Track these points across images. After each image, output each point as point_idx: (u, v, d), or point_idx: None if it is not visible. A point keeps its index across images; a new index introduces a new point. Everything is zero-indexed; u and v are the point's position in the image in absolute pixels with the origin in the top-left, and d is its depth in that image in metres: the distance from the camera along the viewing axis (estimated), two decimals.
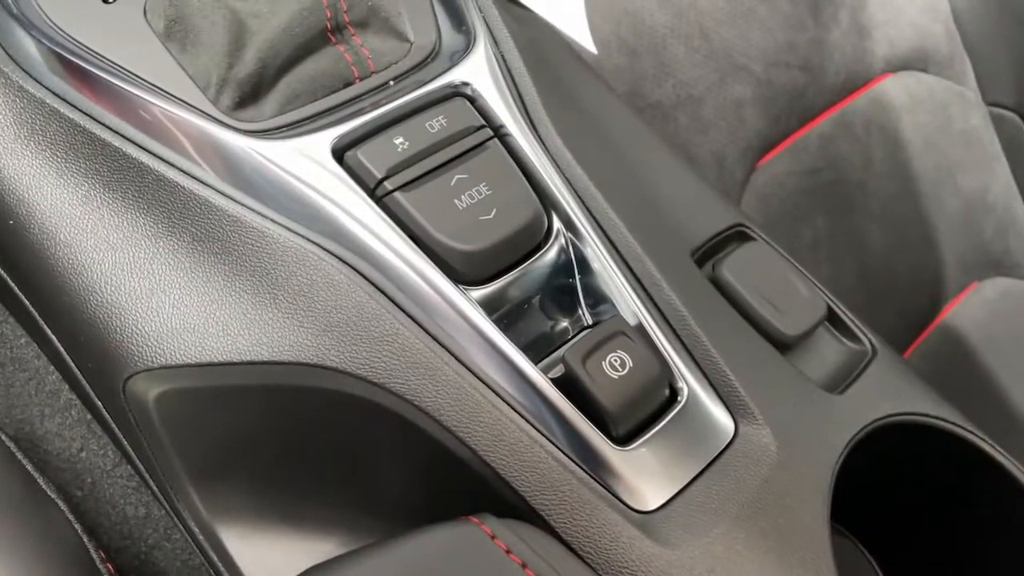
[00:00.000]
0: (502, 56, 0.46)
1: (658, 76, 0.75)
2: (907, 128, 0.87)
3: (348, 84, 0.43)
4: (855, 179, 0.83)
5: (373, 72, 0.44)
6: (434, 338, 0.37)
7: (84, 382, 0.43)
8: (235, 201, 0.39)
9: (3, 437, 0.52)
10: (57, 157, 0.41)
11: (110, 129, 0.41)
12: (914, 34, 0.90)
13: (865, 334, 0.43)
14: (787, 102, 0.81)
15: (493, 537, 0.31)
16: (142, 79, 0.41)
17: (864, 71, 0.86)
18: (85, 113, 0.41)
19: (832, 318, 0.44)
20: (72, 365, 0.43)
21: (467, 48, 0.46)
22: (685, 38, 0.78)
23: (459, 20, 0.47)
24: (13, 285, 0.45)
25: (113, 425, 0.43)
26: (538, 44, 0.50)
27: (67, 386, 0.57)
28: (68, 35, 0.41)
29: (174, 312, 0.38)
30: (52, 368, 0.58)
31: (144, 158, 0.40)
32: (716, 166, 0.76)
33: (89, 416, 0.57)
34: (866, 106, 0.85)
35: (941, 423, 0.42)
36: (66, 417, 0.58)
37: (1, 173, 0.40)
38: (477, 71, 0.44)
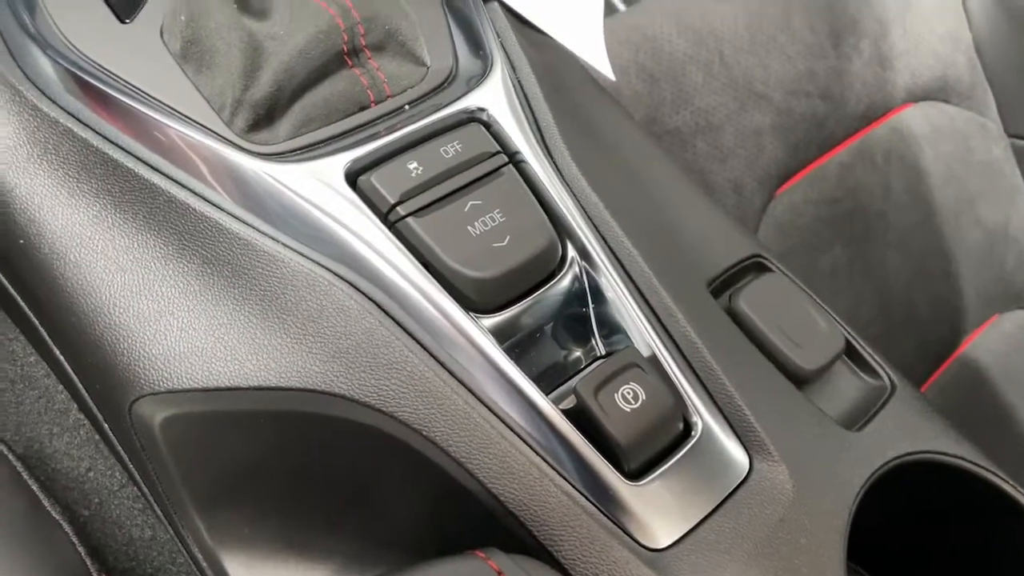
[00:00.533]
0: (519, 82, 0.46)
1: (677, 103, 0.75)
2: (928, 158, 0.86)
3: (363, 108, 0.43)
4: (875, 209, 0.82)
5: (389, 96, 0.43)
6: (444, 366, 0.37)
7: (91, 403, 0.42)
8: (246, 224, 0.39)
9: (10, 456, 0.52)
10: (69, 177, 0.41)
11: (123, 150, 0.41)
12: (936, 64, 0.90)
13: (884, 369, 0.42)
14: (806, 131, 0.80)
15: (500, 573, 0.30)
16: (156, 100, 0.41)
17: (885, 100, 0.86)
18: (98, 133, 0.41)
19: (850, 352, 0.43)
20: (79, 386, 0.43)
21: (484, 73, 0.45)
22: (704, 65, 0.77)
23: (476, 45, 0.47)
24: (22, 303, 0.45)
25: (119, 447, 0.42)
26: (555, 70, 0.50)
27: (76, 405, 0.57)
28: (84, 55, 0.41)
29: (182, 335, 0.38)
30: (61, 387, 0.57)
31: (156, 179, 0.40)
32: (734, 194, 0.75)
33: (97, 436, 0.57)
34: (886, 136, 0.84)
35: (960, 462, 0.41)
36: (75, 436, 0.58)
37: (14, 192, 0.40)
38: (493, 96, 0.43)
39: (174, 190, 0.40)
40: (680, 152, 0.74)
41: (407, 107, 0.43)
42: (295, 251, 0.38)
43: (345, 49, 0.43)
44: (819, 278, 0.78)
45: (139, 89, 0.41)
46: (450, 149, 0.40)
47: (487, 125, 0.42)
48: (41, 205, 0.40)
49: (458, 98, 0.43)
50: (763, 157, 0.78)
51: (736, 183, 0.76)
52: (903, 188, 0.83)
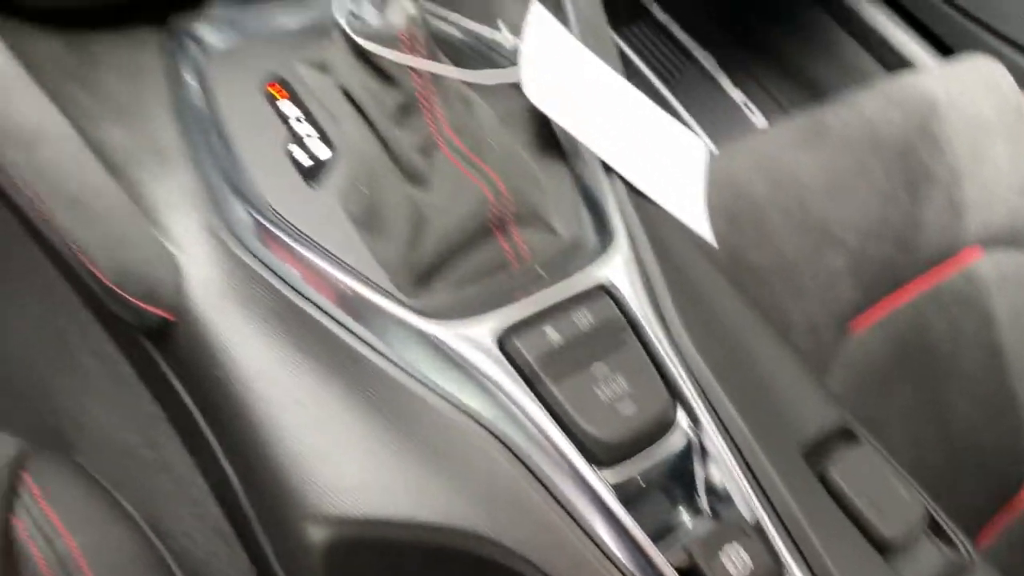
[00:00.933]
0: (638, 254, 0.52)
1: (757, 243, 0.80)
2: (997, 304, 0.90)
3: (505, 271, 0.50)
4: (944, 352, 0.86)
5: (527, 262, 0.50)
6: (571, 515, 0.42)
7: (253, 519, 0.49)
8: (408, 374, 0.45)
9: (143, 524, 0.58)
10: (260, 319, 0.48)
11: (306, 299, 0.48)
12: (1007, 213, 0.94)
13: (962, 542, 0.46)
14: (879, 273, 0.85)
15: None
16: (338, 258, 0.48)
17: (956, 246, 0.90)
18: (286, 282, 0.48)
19: (931, 521, 0.47)
20: (243, 499, 0.49)
21: (608, 243, 0.52)
22: (784, 209, 0.83)
23: (601, 218, 0.54)
24: (200, 420, 0.51)
25: (272, 559, 0.48)
26: (665, 238, 0.56)
27: (212, 499, 0.63)
28: (277, 212, 0.49)
29: (347, 469, 0.44)
30: (200, 480, 0.64)
31: (334, 328, 0.46)
32: (809, 332, 0.80)
33: (225, 528, 0.63)
34: (957, 281, 0.89)
35: None
36: (203, 522, 0.64)
37: (213, 328, 0.47)
38: (618, 270, 0.50)
39: (350, 340, 0.46)
40: (758, 289, 0.79)
41: (543, 272, 0.50)
42: (449, 402, 0.44)
43: (492, 220, 0.50)
44: (888, 418, 0.82)
45: (323, 247, 0.48)
46: (582, 318, 0.46)
47: (613, 296, 0.48)
48: (236, 343, 0.47)
49: (588, 267, 0.49)
50: (837, 297, 0.83)
51: (811, 322, 0.81)
52: (973, 333, 0.87)
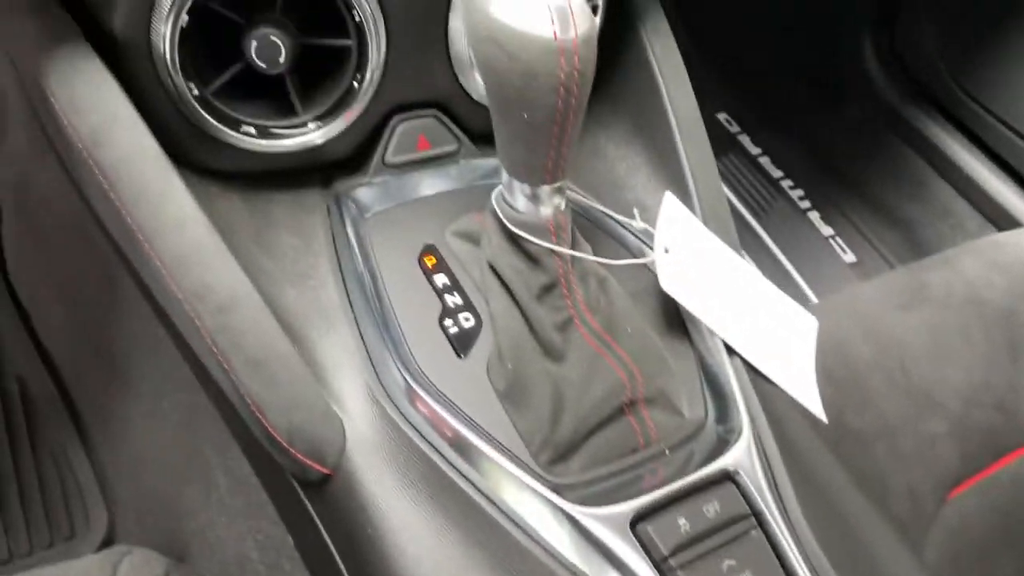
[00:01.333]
0: (759, 439, 0.56)
1: (859, 406, 0.82)
2: None
3: (634, 450, 0.53)
4: None
5: (654, 441, 0.54)
6: None
7: None
8: (544, 550, 0.49)
9: None
10: (410, 483, 0.52)
11: (454, 467, 0.52)
12: None
13: None
14: (981, 440, 0.86)
15: None
16: (482, 428, 0.52)
17: None
18: (435, 448, 0.53)
19: None
20: None
21: (731, 428, 0.55)
22: (887, 372, 0.85)
23: (724, 400, 0.57)
24: (341, 565, 0.56)
25: None
26: (783, 421, 0.59)
27: None
28: (429, 379, 0.54)
29: None
30: None
31: (478, 499, 0.51)
32: (908, 498, 0.81)
33: None
34: None
35: None
36: None
37: (367, 487, 0.52)
38: (742, 457, 0.53)
39: (490, 510, 0.50)
40: (860, 454, 0.80)
41: (667, 451, 0.53)
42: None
43: (626, 402, 0.54)
44: None
45: (470, 417, 0.52)
46: (710, 508, 0.50)
47: (738, 484, 0.52)
48: (387, 503, 0.52)
49: (713, 453, 0.53)
50: (938, 463, 0.84)
51: (911, 488, 0.82)
52: None
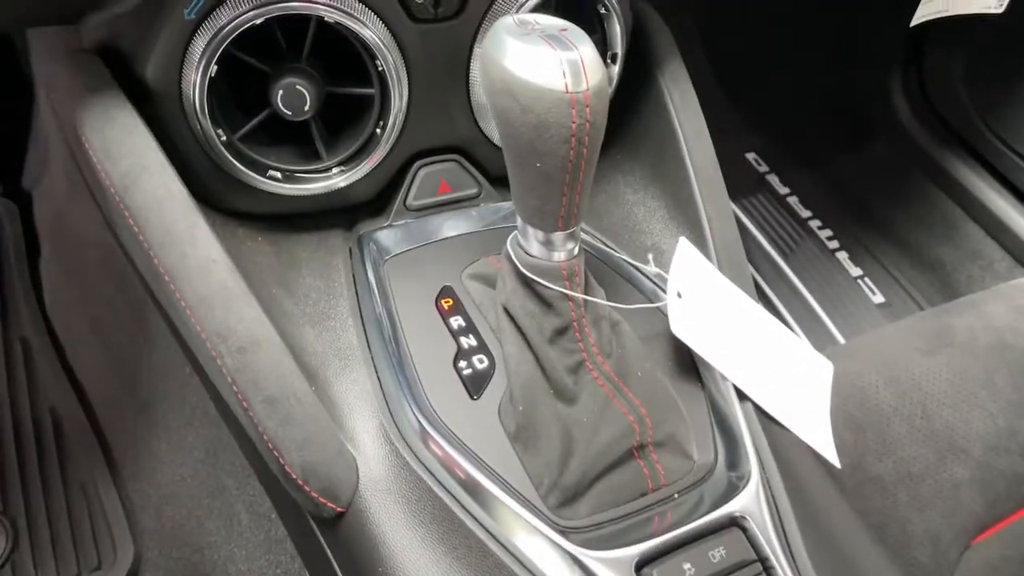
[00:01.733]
0: (768, 485, 0.56)
1: (880, 452, 0.82)
2: None
3: (643, 494, 0.54)
4: None
5: (663, 485, 0.54)
6: None
7: None
8: None
9: None
10: (421, 523, 0.53)
11: (464, 508, 0.53)
12: None
13: None
14: (1005, 486, 0.85)
15: None
16: (492, 470, 0.53)
17: None
18: (446, 489, 0.54)
19: None
20: None
21: (740, 474, 0.55)
22: (908, 417, 0.84)
23: (733, 444, 0.58)
24: None
25: None
26: (794, 466, 0.59)
27: None
28: (442, 421, 0.55)
29: None
30: None
31: (487, 541, 0.51)
32: (930, 544, 0.80)
33: None
34: None
35: None
36: None
37: (380, 527, 0.53)
38: (750, 503, 0.53)
39: (499, 553, 0.51)
40: (881, 500, 0.80)
41: (676, 495, 0.54)
42: None
43: (635, 446, 0.54)
44: None
45: (480, 458, 0.53)
46: (716, 554, 0.50)
47: (744, 529, 0.52)
48: (398, 542, 0.52)
49: (721, 498, 0.53)
50: (960, 510, 0.82)
51: (933, 534, 0.81)
52: None
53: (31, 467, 0.99)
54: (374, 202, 0.73)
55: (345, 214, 0.74)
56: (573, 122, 0.48)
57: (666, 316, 0.61)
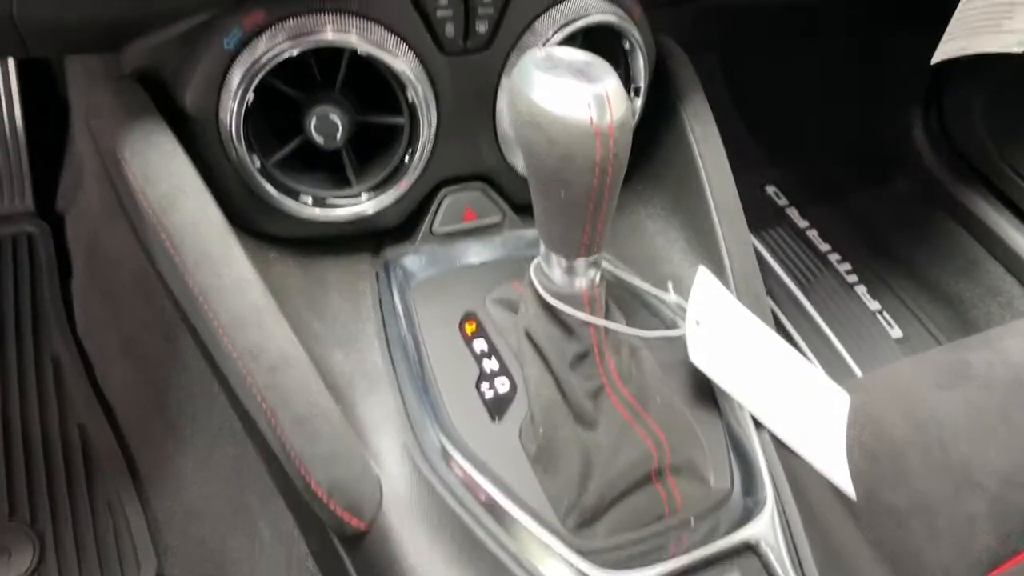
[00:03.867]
0: (783, 512, 0.57)
1: (895, 482, 0.82)
2: None
3: (659, 518, 0.55)
4: None
5: (679, 510, 0.55)
6: None
7: None
8: None
9: None
10: (443, 541, 0.54)
11: (485, 528, 0.54)
12: None
13: None
14: (1020, 522, 0.85)
15: None
16: (513, 492, 0.54)
17: None
18: (467, 509, 0.55)
19: None
20: None
21: (756, 499, 0.56)
22: (924, 450, 0.85)
23: (750, 471, 0.59)
24: None
25: None
26: (809, 494, 0.60)
27: None
28: (464, 442, 0.56)
29: None
30: None
31: (507, 561, 0.53)
32: None
33: None
34: None
35: None
36: None
37: (403, 546, 0.54)
38: (765, 528, 0.54)
39: (516, 570, 0.52)
40: (895, 530, 0.80)
41: (692, 520, 0.55)
42: None
43: (653, 471, 0.55)
44: None
45: (501, 479, 0.55)
46: None
47: (759, 554, 0.53)
48: (421, 561, 0.54)
49: (737, 523, 0.54)
50: (974, 543, 0.82)
51: (946, 567, 0.81)
52: None
53: (59, 482, 1.01)
54: (400, 228, 0.75)
55: (372, 239, 0.76)
56: (597, 153, 0.50)
57: (685, 344, 0.62)
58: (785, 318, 1.51)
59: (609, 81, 0.50)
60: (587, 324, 0.59)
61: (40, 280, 1.28)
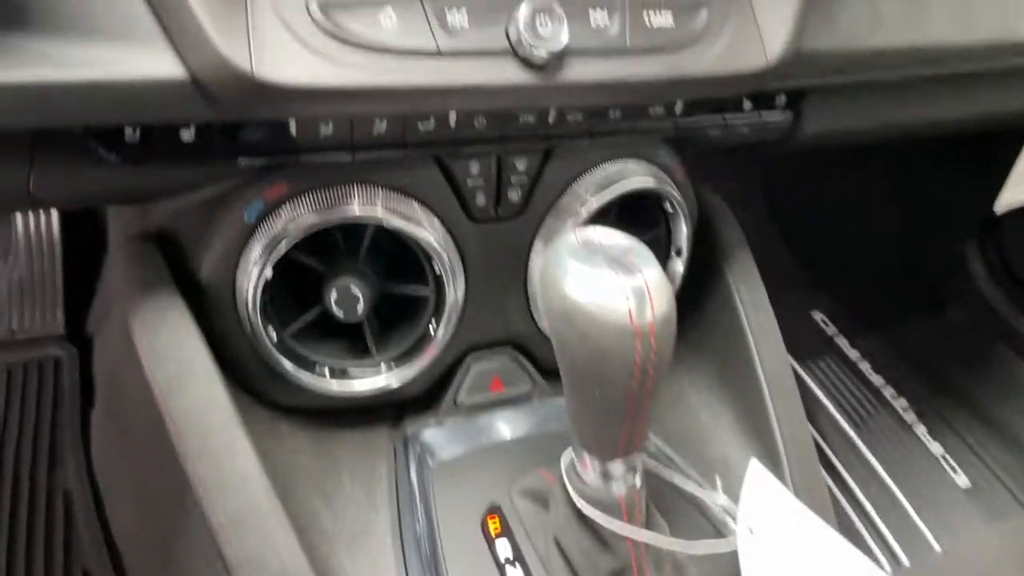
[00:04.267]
0: None
1: None
2: None
3: None
4: None
5: None
6: None
7: None
8: None
9: None
10: None
11: None
12: None
13: None
14: None
15: None
16: None
17: None
18: None
19: None
20: None
21: None
22: None
23: None
24: None
25: None
26: None
27: None
28: None
29: None
30: None
31: None
32: None
33: None
34: None
35: None
36: None
37: None
38: None
39: None
40: None
41: None
42: None
43: None
44: None
45: None
46: None
47: None
48: None
49: None
50: None
51: None
52: None
53: None
54: (423, 397, 0.70)
55: (392, 408, 0.71)
56: (637, 354, 0.45)
57: (736, 555, 0.55)
58: (839, 463, 1.41)
59: (649, 271, 0.45)
60: (625, 537, 0.52)
61: (62, 407, 1.25)
